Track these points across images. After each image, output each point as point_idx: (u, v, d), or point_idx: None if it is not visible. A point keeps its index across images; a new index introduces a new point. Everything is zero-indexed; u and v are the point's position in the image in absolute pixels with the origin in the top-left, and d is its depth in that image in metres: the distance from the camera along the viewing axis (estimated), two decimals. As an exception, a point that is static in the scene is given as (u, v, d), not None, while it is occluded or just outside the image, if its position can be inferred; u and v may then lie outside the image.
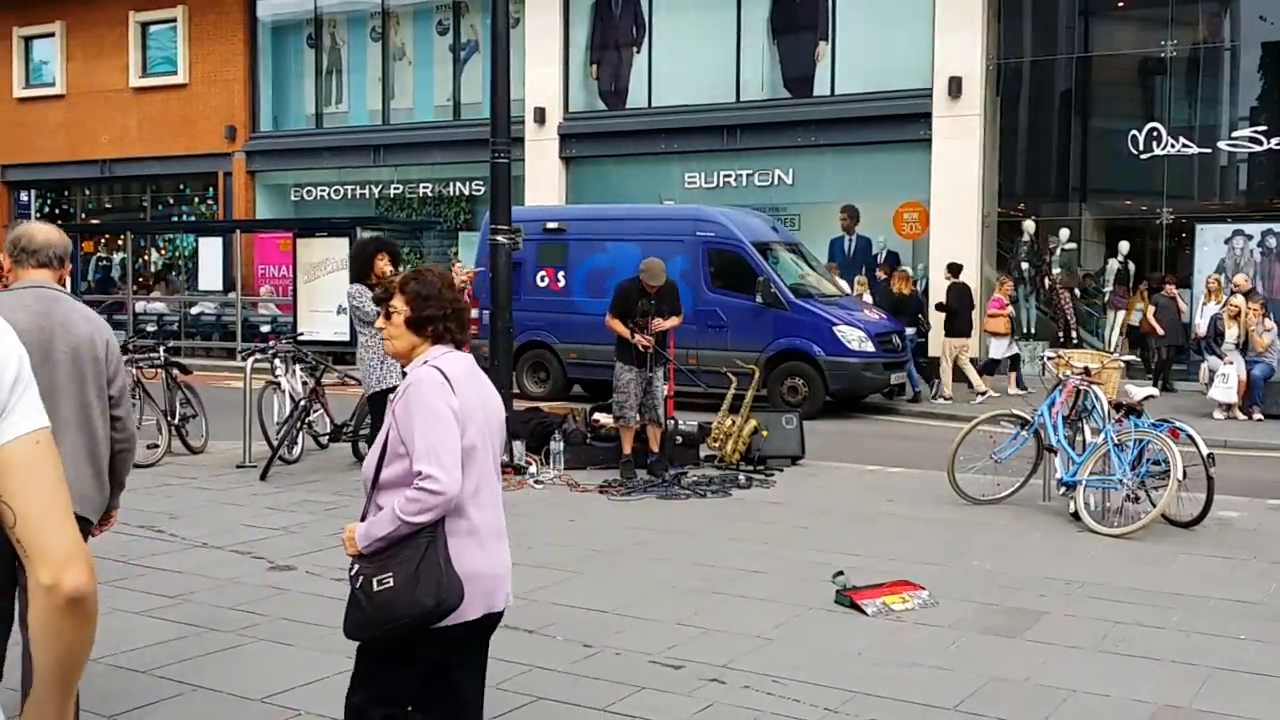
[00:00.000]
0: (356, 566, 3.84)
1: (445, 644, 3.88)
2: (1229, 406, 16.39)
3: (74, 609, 1.88)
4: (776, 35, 23.94)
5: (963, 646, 6.38)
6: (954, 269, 19.50)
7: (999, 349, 19.16)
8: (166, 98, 30.43)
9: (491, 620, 3.98)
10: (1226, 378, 16.37)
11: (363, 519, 3.89)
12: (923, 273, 21.89)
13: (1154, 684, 5.83)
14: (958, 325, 18.84)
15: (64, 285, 4.64)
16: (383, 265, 10.22)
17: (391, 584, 3.71)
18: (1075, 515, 9.32)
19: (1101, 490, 9.41)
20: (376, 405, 10.50)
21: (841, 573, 7.47)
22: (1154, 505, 9.02)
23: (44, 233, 4.61)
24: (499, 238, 12.34)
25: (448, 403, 3.80)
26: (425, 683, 4.00)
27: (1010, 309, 19.39)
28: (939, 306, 19.38)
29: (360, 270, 10.46)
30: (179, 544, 8.48)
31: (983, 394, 18.02)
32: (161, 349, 12.97)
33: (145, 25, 30.86)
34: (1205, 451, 9.03)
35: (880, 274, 21.24)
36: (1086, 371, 10.06)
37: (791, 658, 6.15)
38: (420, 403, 3.80)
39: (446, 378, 3.86)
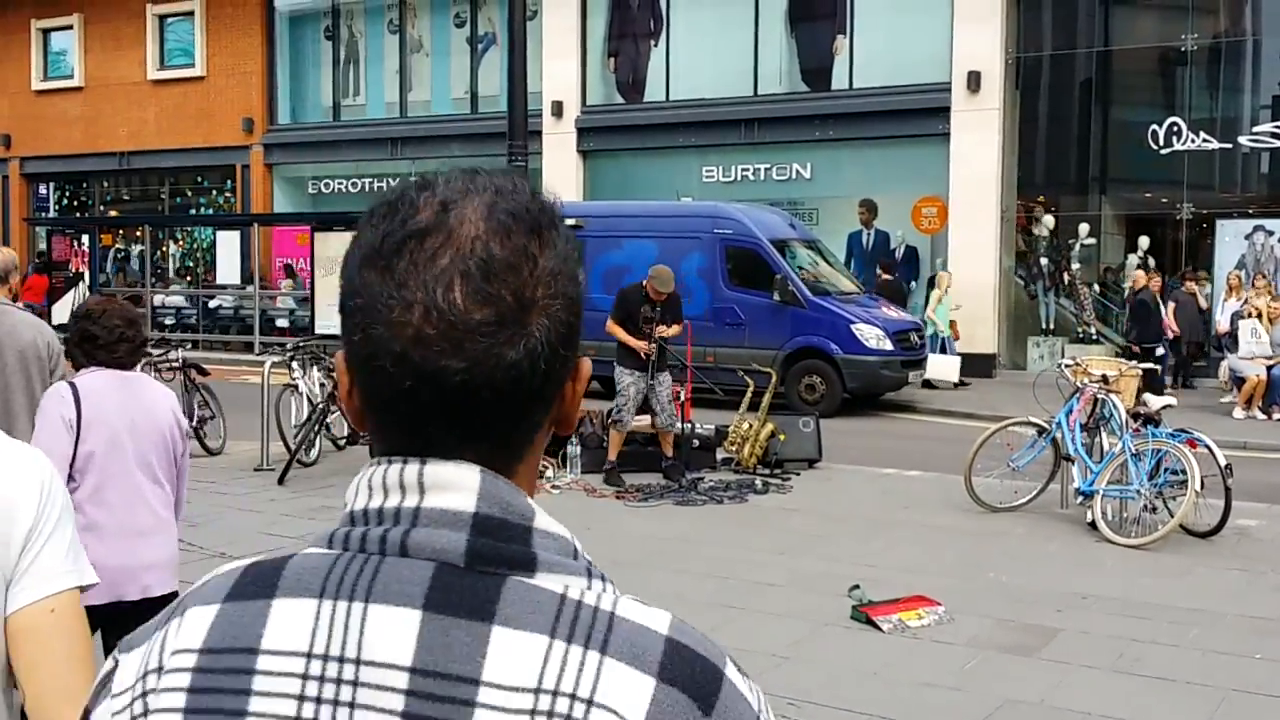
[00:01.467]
0: None
1: None
2: (1249, 403, 16.33)
3: None
4: (794, 28, 23.88)
5: (978, 665, 6.38)
6: (885, 266, 19.64)
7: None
8: (184, 90, 30.52)
9: (126, 607, 4.29)
10: (1258, 333, 16.24)
11: None
12: (941, 266, 21.82)
13: (1169, 706, 5.83)
14: None
15: (11, 296, 5.44)
16: None
17: None
18: (1092, 525, 9.30)
19: (1119, 500, 9.38)
20: None
21: (858, 586, 7.47)
22: (1172, 515, 8.99)
23: None
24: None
25: (61, 413, 4.35)
26: None
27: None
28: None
29: None
30: (197, 554, 8.51)
31: None
32: (179, 351, 13.01)
33: (163, 18, 30.95)
34: (1223, 463, 8.99)
35: None
36: (1104, 379, 10.03)
37: (807, 678, 6.16)
38: (41, 412, 4.45)
39: (75, 391, 4.40)
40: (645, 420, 11.83)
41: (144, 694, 1.03)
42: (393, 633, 0.97)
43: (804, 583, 7.91)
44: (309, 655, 0.99)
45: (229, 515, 9.88)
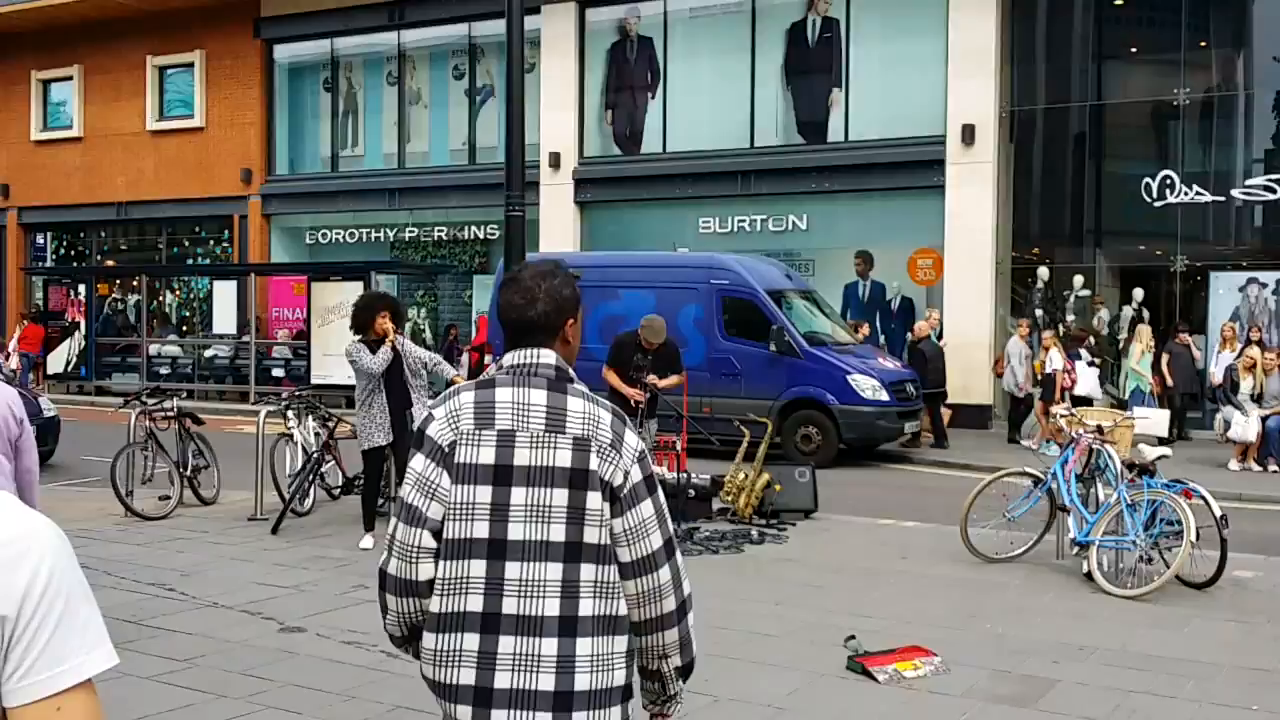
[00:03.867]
0: None
1: None
2: (1244, 455, 16.33)
3: None
4: (791, 81, 24.06)
5: (975, 717, 6.34)
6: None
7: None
8: (183, 141, 30.66)
9: None
10: (1246, 416, 16.26)
11: None
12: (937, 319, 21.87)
13: (1168, 759, 5.77)
14: None
15: None
16: (384, 323, 10.27)
17: None
18: (1088, 575, 9.27)
19: (1115, 551, 9.36)
20: (369, 461, 10.56)
21: (854, 637, 7.43)
22: (1168, 566, 8.96)
23: None
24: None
25: None
26: None
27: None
28: None
29: (362, 323, 10.47)
30: (190, 603, 8.48)
31: None
32: (175, 400, 12.99)
33: (162, 69, 31.15)
34: (1219, 513, 8.98)
35: None
36: (1099, 430, 10.03)
37: (802, 729, 6.11)
38: None
39: None
40: None
41: (454, 419, 2.91)
42: (538, 396, 2.92)
43: (800, 633, 7.88)
44: (512, 403, 2.92)
45: (223, 565, 9.84)
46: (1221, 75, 21.36)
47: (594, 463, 2.93)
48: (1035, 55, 22.53)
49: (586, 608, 2.94)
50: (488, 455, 2.93)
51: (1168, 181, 20.70)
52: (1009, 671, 7.11)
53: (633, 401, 11.33)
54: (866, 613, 8.40)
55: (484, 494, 2.94)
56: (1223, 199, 20.61)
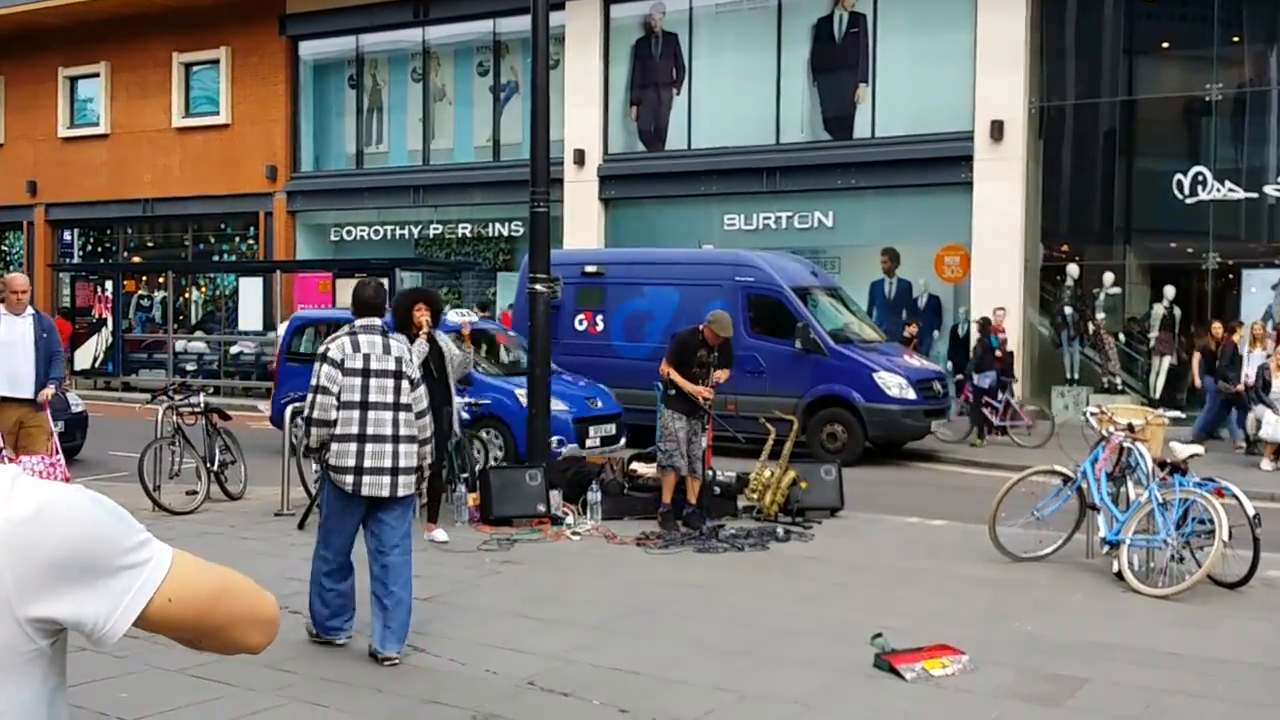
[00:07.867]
0: None
1: None
2: (1277, 455, 16.16)
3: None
4: (817, 77, 23.96)
5: (1003, 715, 6.27)
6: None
7: None
8: (209, 137, 30.76)
9: None
10: (1277, 415, 16.10)
11: None
12: (964, 317, 21.75)
13: (1201, 760, 5.69)
14: None
15: None
16: (420, 315, 10.20)
17: None
18: (1119, 574, 9.17)
19: (1145, 550, 9.25)
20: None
21: (880, 634, 7.37)
22: (1199, 566, 8.86)
23: None
24: (538, 286, 12.33)
25: None
26: None
27: None
28: None
29: (401, 321, 10.43)
30: (215, 597, 8.47)
31: None
32: (202, 396, 13.00)
33: (189, 66, 31.25)
34: (1251, 512, 8.87)
35: None
36: (1130, 428, 9.93)
37: (830, 727, 6.05)
38: None
39: None
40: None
41: (342, 349, 7.13)
42: (379, 338, 7.21)
43: (826, 630, 7.82)
44: (369, 341, 7.16)
45: (249, 559, 9.83)
46: (1254, 70, 21.16)
47: (404, 368, 7.11)
48: (1065, 50, 22.36)
49: (403, 430, 7.06)
50: (359, 364, 6.98)
51: (1199, 178, 20.52)
52: (1038, 670, 7.03)
53: (700, 400, 11.25)
54: (893, 610, 8.33)
55: (357, 381, 6.96)
56: (1255, 196, 20.41)
